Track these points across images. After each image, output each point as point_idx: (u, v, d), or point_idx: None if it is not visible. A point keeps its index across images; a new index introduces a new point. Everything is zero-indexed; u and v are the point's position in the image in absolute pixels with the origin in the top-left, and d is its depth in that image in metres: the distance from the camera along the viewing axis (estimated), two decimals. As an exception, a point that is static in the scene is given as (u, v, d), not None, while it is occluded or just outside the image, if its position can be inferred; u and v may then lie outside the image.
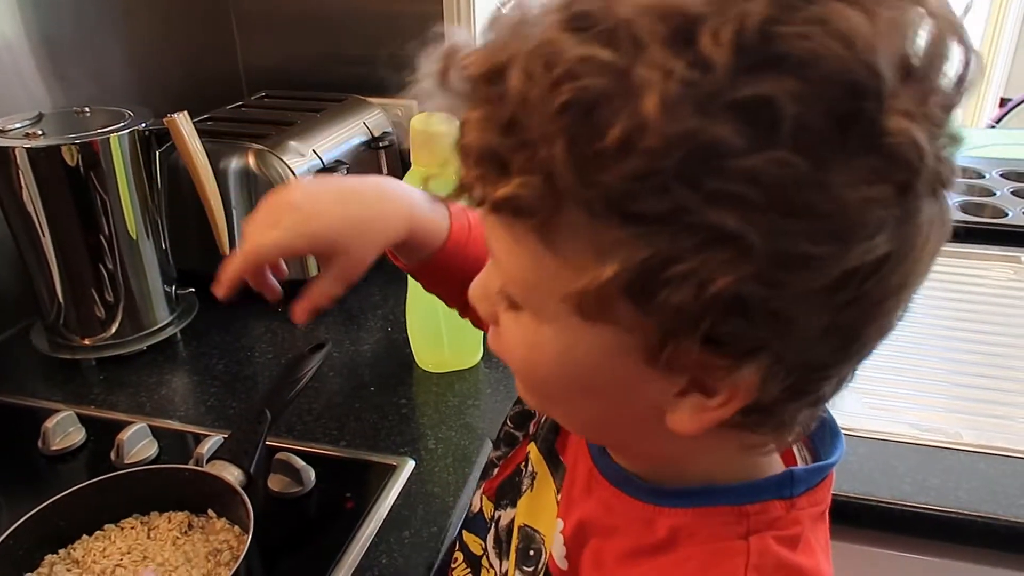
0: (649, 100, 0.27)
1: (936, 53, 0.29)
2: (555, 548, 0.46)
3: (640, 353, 0.32)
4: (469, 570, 0.57)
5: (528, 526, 0.50)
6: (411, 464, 0.78)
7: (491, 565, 0.54)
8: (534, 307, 0.36)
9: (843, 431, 0.79)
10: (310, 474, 0.75)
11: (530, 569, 0.47)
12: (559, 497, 0.48)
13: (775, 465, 0.41)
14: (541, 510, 0.49)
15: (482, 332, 0.83)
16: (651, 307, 0.30)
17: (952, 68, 0.30)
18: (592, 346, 0.34)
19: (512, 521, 0.52)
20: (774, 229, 0.28)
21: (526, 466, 0.53)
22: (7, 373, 0.94)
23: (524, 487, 0.52)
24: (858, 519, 0.74)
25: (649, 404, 0.35)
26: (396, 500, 0.74)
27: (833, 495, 0.72)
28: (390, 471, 0.77)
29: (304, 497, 0.74)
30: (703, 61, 0.27)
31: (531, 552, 0.48)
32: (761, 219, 0.28)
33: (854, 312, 0.31)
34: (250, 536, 0.60)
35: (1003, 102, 3.13)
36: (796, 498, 0.39)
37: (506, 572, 0.51)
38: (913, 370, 0.93)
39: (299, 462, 0.75)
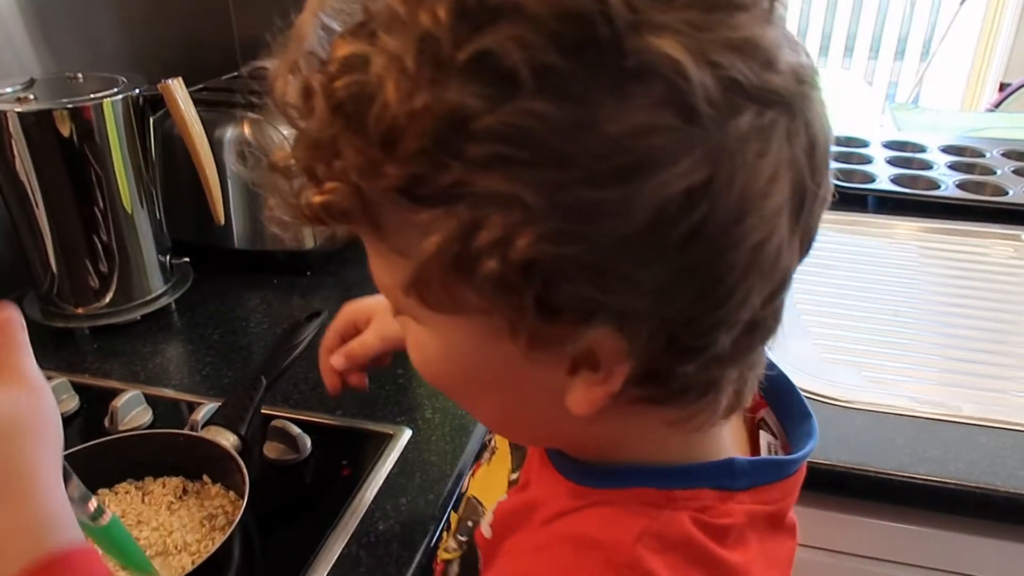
0: (389, 87, 0.28)
1: None
2: (485, 518, 0.45)
3: (506, 336, 0.31)
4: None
5: (475, 498, 0.49)
6: (408, 433, 0.77)
7: (447, 548, 0.53)
8: (405, 310, 0.35)
9: (841, 403, 0.80)
10: (306, 441, 0.74)
11: (463, 539, 0.47)
12: (514, 476, 0.47)
13: (718, 450, 0.39)
14: (491, 485, 0.49)
15: None
16: (479, 284, 0.29)
17: None
18: (465, 339, 0.34)
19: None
20: (548, 183, 0.27)
21: (490, 442, 0.53)
22: (0, 342, 0.93)
23: (483, 460, 0.52)
24: (855, 489, 0.73)
25: (545, 390, 0.34)
26: (393, 468, 0.73)
27: (831, 465, 0.73)
28: (387, 439, 0.76)
29: (300, 464, 0.74)
30: (427, 35, 0.27)
31: (470, 523, 0.47)
32: (530, 175, 0.27)
33: (696, 251, 0.29)
34: (245, 501, 0.60)
35: (1003, 87, 3.12)
36: (736, 492, 0.37)
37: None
38: (913, 345, 0.93)
39: (295, 429, 0.74)
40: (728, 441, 0.40)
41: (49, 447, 0.43)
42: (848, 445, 0.75)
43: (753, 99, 0.28)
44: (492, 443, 0.52)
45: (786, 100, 0.29)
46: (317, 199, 0.31)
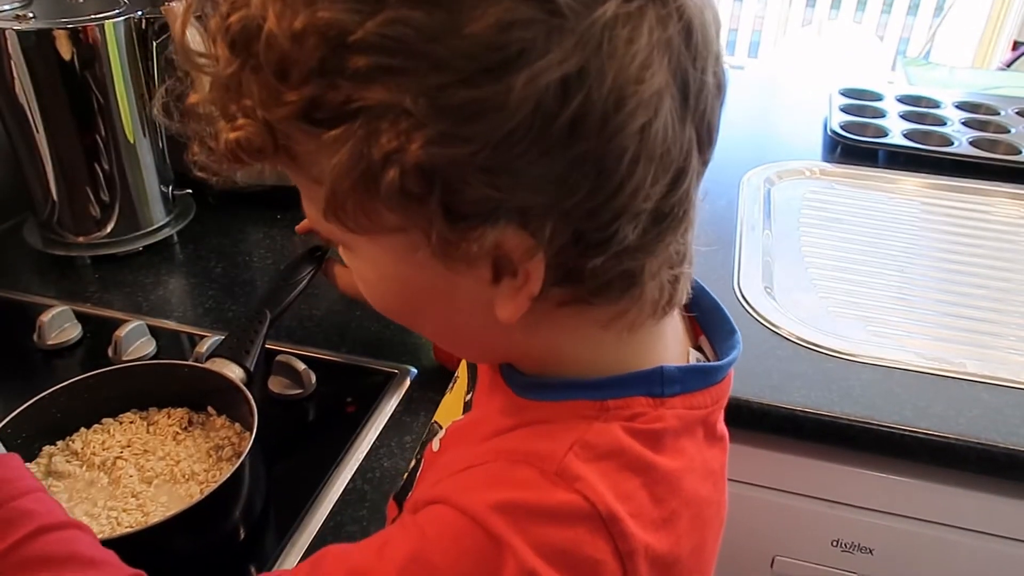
0: (270, 16, 0.29)
1: None
2: (439, 435, 0.47)
3: (425, 249, 0.32)
4: None
5: (436, 422, 0.51)
6: (413, 372, 0.77)
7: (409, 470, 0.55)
8: (334, 238, 0.36)
9: (846, 357, 0.80)
10: (311, 377, 0.74)
11: (420, 456, 0.49)
12: (469, 398, 0.48)
13: (657, 360, 0.40)
14: (450, 408, 0.51)
15: None
16: (386, 198, 0.30)
17: None
18: (390, 259, 0.35)
19: None
20: (427, 87, 0.28)
21: (455, 373, 0.54)
22: (0, 267, 0.92)
23: (448, 389, 0.54)
24: (859, 442, 0.74)
25: (475, 301, 0.35)
26: (397, 406, 0.73)
27: (834, 417, 0.73)
28: (391, 378, 0.76)
29: (304, 399, 0.74)
30: None
31: (429, 444, 0.49)
32: (409, 82, 0.28)
33: (582, 141, 0.30)
34: (254, 433, 0.60)
35: (1016, 45, 3.06)
36: (667, 397, 0.38)
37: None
38: (919, 301, 0.93)
39: (300, 364, 0.74)
40: (663, 350, 0.41)
41: None
42: (853, 398, 0.75)
43: None
44: (456, 374, 0.54)
45: None
46: (231, 136, 0.32)
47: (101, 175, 0.91)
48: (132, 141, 0.91)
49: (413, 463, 0.50)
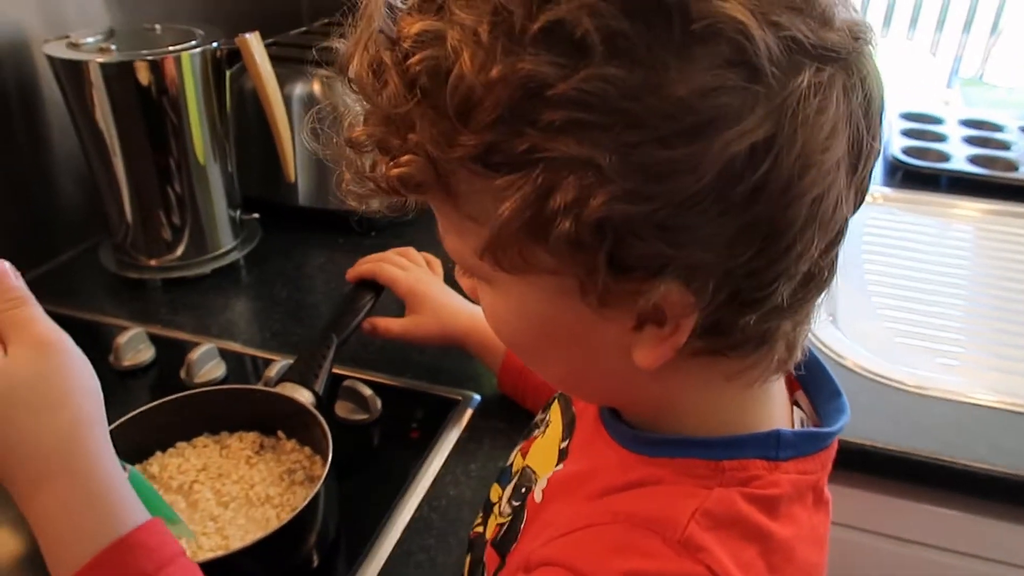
0: (465, 59, 0.29)
1: None
2: (539, 484, 0.46)
3: (576, 294, 0.33)
4: (481, 515, 0.57)
5: (530, 467, 0.51)
6: (476, 398, 0.78)
7: (500, 512, 0.54)
8: (478, 273, 0.37)
9: (916, 391, 0.78)
10: (377, 402, 0.75)
11: (517, 504, 0.48)
12: (565, 445, 0.48)
13: (768, 420, 0.40)
14: (543, 453, 0.50)
15: None
16: (553, 245, 0.30)
17: None
18: (536, 298, 0.35)
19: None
20: (621, 144, 0.28)
21: (545, 415, 0.54)
22: (76, 288, 0.95)
23: (537, 434, 0.53)
24: (930, 479, 0.72)
25: (613, 345, 0.35)
26: (462, 433, 0.74)
27: (905, 453, 0.72)
28: (455, 404, 0.77)
29: (370, 424, 0.75)
30: (500, 8, 0.28)
31: (523, 489, 0.49)
32: (603, 138, 0.28)
33: (761, 206, 0.30)
34: (329, 457, 0.61)
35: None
36: (781, 461, 0.37)
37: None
38: (988, 332, 0.90)
39: (366, 390, 0.75)
40: (773, 408, 0.41)
41: (82, 406, 0.42)
42: (924, 433, 0.73)
43: (812, 56, 0.29)
44: (547, 418, 0.53)
45: (843, 56, 0.30)
46: (393, 172, 0.32)
47: (173, 199, 0.93)
48: (203, 166, 0.94)
49: (508, 510, 0.50)
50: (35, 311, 0.43)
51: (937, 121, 1.38)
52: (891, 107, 1.45)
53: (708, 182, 0.29)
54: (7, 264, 0.43)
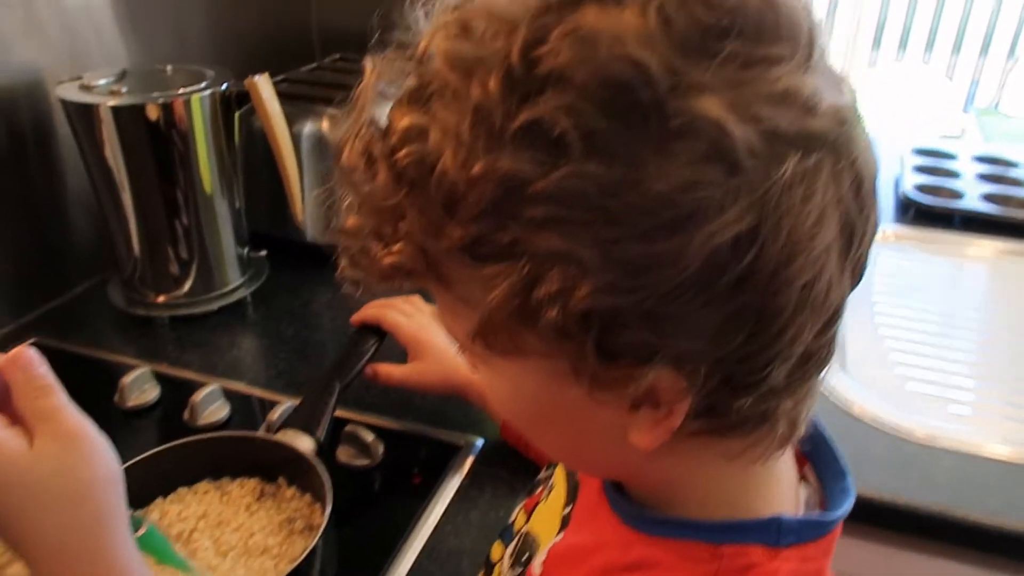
0: (447, 157, 0.29)
1: (712, 15, 0.28)
2: (539, 555, 0.46)
3: (570, 376, 0.32)
4: (482, 573, 0.56)
5: (531, 533, 0.50)
6: (479, 444, 0.77)
7: (502, 572, 0.54)
8: (472, 353, 0.37)
9: (926, 442, 0.77)
10: (379, 447, 0.75)
11: (518, 571, 0.48)
12: (567, 511, 0.48)
13: (772, 500, 0.39)
14: (546, 518, 0.50)
15: None
16: (542, 332, 0.30)
17: (748, 19, 0.28)
18: (530, 380, 0.35)
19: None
20: (601, 240, 0.28)
21: (548, 479, 0.53)
22: (84, 324, 0.96)
23: (541, 491, 0.53)
24: (940, 533, 0.71)
25: (609, 426, 0.35)
26: (464, 480, 0.73)
27: (914, 507, 0.70)
28: (457, 450, 0.77)
29: (372, 469, 0.74)
30: (480, 107, 0.29)
31: (524, 556, 0.48)
32: (584, 233, 0.28)
33: (747, 294, 0.29)
34: (328, 508, 0.60)
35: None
36: (782, 548, 0.37)
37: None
38: (1003, 379, 0.89)
39: (368, 435, 0.75)
40: (778, 487, 0.40)
41: (105, 498, 0.43)
42: (934, 486, 0.72)
43: (796, 145, 0.29)
44: (551, 479, 0.53)
45: (829, 142, 0.30)
46: (386, 260, 0.33)
47: (182, 235, 0.94)
48: (212, 203, 0.95)
49: None
50: (61, 400, 0.43)
51: (950, 157, 1.37)
52: (904, 141, 1.44)
53: (691, 274, 0.28)
54: (34, 351, 0.43)
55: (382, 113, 0.33)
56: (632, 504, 0.41)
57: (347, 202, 0.35)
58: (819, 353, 0.34)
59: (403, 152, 0.31)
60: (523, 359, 0.33)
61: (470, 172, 0.29)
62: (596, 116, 0.28)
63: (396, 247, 0.32)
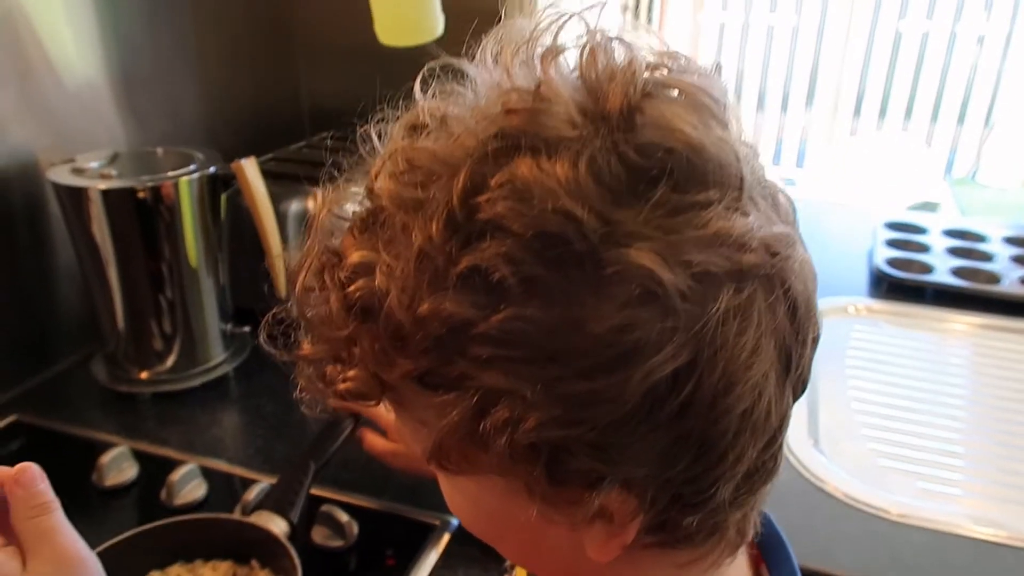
0: (392, 297, 0.31)
1: (641, 164, 0.30)
2: None
3: (524, 495, 0.34)
4: None
5: None
6: (454, 523, 0.78)
7: None
8: (433, 466, 0.37)
9: (896, 518, 0.77)
10: (353, 528, 0.75)
11: None
12: None
13: None
14: None
15: None
16: (493, 456, 0.32)
17: (677, 167, 0.30)
18: (486, 495, 0.37)
19: None
20: (542, 377, 0.30)
21: (511, 567, 0.54)
22: (67, 400, 0.97)
23: None
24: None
25: (565, 538, 0.36)
26: (437, 561, 0.73)
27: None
28: (432, 529, 0.77)
29: (346, 551, 0.75)
30: (422, 252, 0.30)
31: None
32: (527, 371, 0.30)
33: (689, 422, 0.31)
34: (296, 594, 0.61)
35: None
36: None
37: None
38: (974, 454, 0.90)
39: (343, 516, 0.75)
40: None
41: None
42: (903, 565, 0.73)
43: (728, 282, 0.31)
44: (513, 570, 0.54)
45: (762, 275, 0.32)
46: (341, 386, 0.34)
47: (166, 310, 0.96)
48: (197, 280, 0.97)
49: None
50: (58, 520, 0.44)
51: (921, 231, 1.41)
52: (878, 213, 1.48)
53: (632, 407, 0.30)
54: (36, 468, 0.44)
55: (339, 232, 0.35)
56: None
57: (303, 326, 0.36)
58: (764, 467, 0.35)
59: (353, 287, 0.32)
60: (479, 477, 0.35)
61: (415, 312, 0.30)
62: (534, 264, 0.29)
63: (351, 372, 0.34)
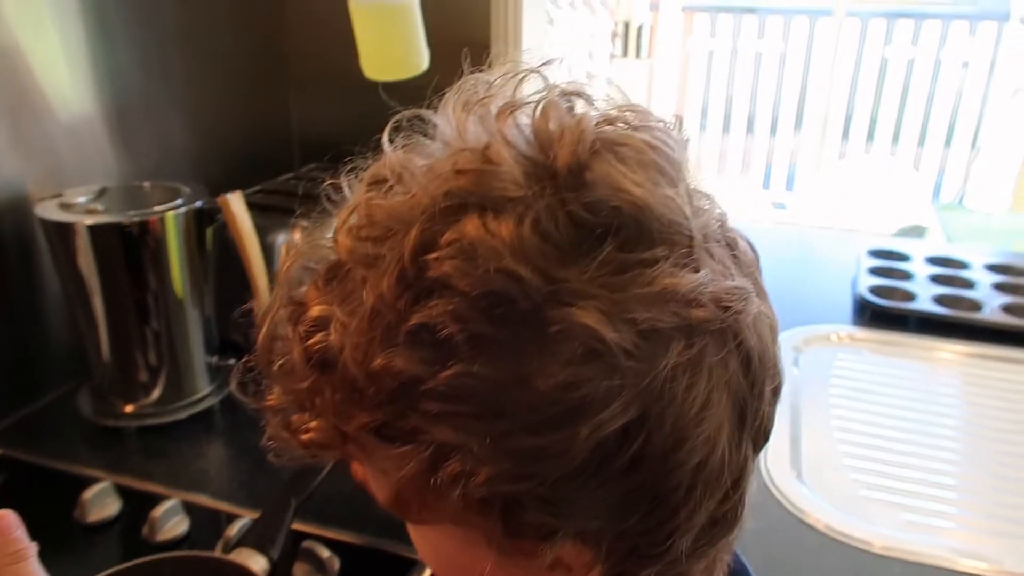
0: (347, 353, 0.32)
1: (587, 223, 0.30)
2: None
3: (483, 544, 0.34)
4: None
5: None
6: (435, 559, 0.78)
7: None
8: (395, 515, 0.38)
9: (878, 551, 0.78)
10: (335, 564, 0.75)
11: None
12: None
13: None
14: None
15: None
16: (450, 507, 0.32)
17: (623, 226, 0.30)
18: (448, 544, 0.37)
19: None
20: (491, 432, 0.30)
21: None
22: (51, 434, 0.97)
23: None
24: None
25: None
26: (419, 598, 0.73)
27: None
28: (414, 564, 0.77)
29: (328, 588, 0.75)
30: (375, 310, 0.31)
31: None
32: (476, 426, 0.31)
33: (640, 476, 0.31)
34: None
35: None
36: None
37: None
38: (957, 484, 0.91)
39: (324, 552, 0.75)
40: None
41: None
42: (883, 600, 0.73)
43: (677, 337, 0.31)
44: None
45: (712, 330, 0.32)
46: (304, 436, 0.36)
47: (152, 343, 0.96)
48: (183, 312, 0.97)
49: None
50: (32, 568, 0.44)
51: (904, 258, 1.42)
52: (862, 240, 1.49)
53: (581, 462, 0.30)
54: (12, 515, 0.45)
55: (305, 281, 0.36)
56: None
57: (268, 377, 0.37)
58: (724, 518, 0.35)
59: (312, 340, 0.33)
60: (439, 526, 0.35)
61: (368, 368, 0.31)
62: (480, 321, 0.30)
63: (314, 424, 0.35)
